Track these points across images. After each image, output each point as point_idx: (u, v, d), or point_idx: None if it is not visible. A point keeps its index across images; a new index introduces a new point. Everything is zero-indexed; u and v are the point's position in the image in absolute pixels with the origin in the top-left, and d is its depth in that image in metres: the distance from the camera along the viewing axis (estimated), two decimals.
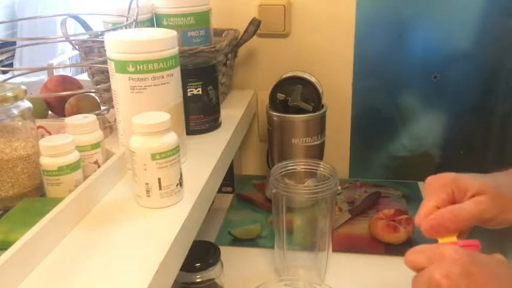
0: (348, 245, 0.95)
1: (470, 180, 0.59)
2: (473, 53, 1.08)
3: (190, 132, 0.84)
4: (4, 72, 1.56)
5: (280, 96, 0.99)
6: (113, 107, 0.72)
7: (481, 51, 1.07)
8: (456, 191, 0.59)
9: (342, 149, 1.18)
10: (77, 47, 0.93)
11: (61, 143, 0.62)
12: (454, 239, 0.57)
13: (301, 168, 0.85)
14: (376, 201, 1.08)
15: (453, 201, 0.59)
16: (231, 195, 1.15)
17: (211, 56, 0.91)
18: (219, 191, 0.98)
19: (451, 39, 1.07)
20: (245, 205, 1.11)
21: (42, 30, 2.16)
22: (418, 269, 0.52)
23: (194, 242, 0.65)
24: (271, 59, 1.13)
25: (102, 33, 0.87)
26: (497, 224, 0.58)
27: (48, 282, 0.49)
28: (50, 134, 0.72)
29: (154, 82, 0.66)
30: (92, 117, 0.68)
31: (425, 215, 0.58)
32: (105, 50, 0.68)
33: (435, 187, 0.61)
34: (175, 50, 0.68)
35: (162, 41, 0.67)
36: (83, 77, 1.37)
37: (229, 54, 1.01)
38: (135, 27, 0.80)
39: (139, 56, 0.65)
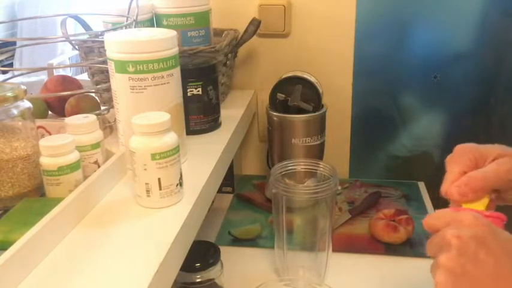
0: (348, 245, 0.95)
1: (490, 147, 0.60)
2: (473, 53, 1.08)
3: (190, 132, 0.84)
4: (4, 72, 1.56)
5: (280, 96, 0.99)
6: (112, 107, 0.72)
7: (481, 51, 1.07)
8: (478, 157, 0.60)
9: (342, 149, 1.18)
10: (77, 47, 0.93)
11: (61, 143, 0.62)
12: (481, 207, 0.56)
13: (301, 168, 0.85)
14: (376, 201, 1.08)
15: (476, 167, 0.59)
16: (231, 195, 1.15)
17: (211, 56, 0.91)
18: (219, 191, 0.98)
19: (451, 39, 1.07)
20: (245, 205, 1.11)
21: (42, 30, 2.16)
22: (435, 231, 0.52)
23: (194, 242, 0.65)
24: (271, 59, 1.13)
25: (102, 33, 0.87)
26: None
27: (48, 282, 0.49)
28: (50, 134, 0.72)
29: (154, 82, 0.66)
30: (92, 117, 0.68)
31: (451, 181, 0.58)
32: (105, 50, 0.68)
33: (456, 157, 0.61)
34: (175, 50, 0.68)
35: (162, 41, 0.67)
36: (83, 77, 1.37)
37: (229, 54, 1.01)
38: (135, 27, 0.80)
39: (139, 56, 0.65)
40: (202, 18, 0.94)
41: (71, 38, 1.01)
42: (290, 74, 1.02)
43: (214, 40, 0.98)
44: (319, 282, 0.76)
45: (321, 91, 1.00)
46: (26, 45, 1.79)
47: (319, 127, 1.00)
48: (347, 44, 1.10)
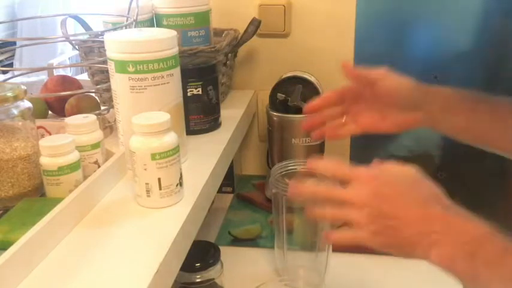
0: (348, 245, 0.94)
1: None
2: (473, 52, 1.08)
3: (190, 132, 0.84)
4: (4, 72, 1.56)
5: (280, 96, 0.99)
6: (112, 107, 0.72)
7: (481, 51, 1.07)
8: None
9: (342, 149, 1.18)
10: (77, 47, 0.93)
11: (61, 143, 0.62)
12: None
13: (301, 168, 0.85)
14: None
15: None
16: (231, 195, 1.15)
17: (211, 56, 0.91)
18: (219, 191, 0.98)
19: (451, 39, 1.07)
20: (245, 205, 1.11)
21: (42, 30, 2.17)
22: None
23: (194, 242, 0.65)
24: (271, 59, 1.13)
25: (102, 33, 0.87)
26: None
27: (48, 282, 0.49)
28: (50, 134, 0.72)
29: (154, 82, 0.66)
30: (92, 117, 0.68)
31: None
32: (105, 50, 0.68)
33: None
34: (175, 50, 0.68)
35: (162, 41, 0.67)
36: (83, 77, 1.37)
37: (229, 54, 1.01)
38: (135, 27, 0.80)
39: (139, 56, 0.65)
40: (202, 18, 0.94)
41: (71, 38, 1.01)
42: (290, 74, 1.02)
43: (214, 40, 0.98)
44: (319, 282, 0.77)
45: (321, 91, 1.00)
46: (26, 45, 1.79)
47: None
48: (347, 44, 1.10)
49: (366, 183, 0.57)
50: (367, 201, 0.56)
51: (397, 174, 0.58)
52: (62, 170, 0.61)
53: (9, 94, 0.61)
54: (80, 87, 0.90)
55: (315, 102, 0.77)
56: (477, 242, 0.51)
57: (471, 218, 0.52)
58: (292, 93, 0.98)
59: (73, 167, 0.62)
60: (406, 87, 0.73)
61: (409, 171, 0.58)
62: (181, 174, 0.64)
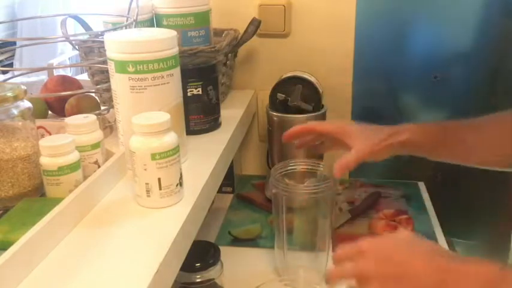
0: None
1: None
2: (473, 53, 1.08)
3: (190, 132, 0.84)
4: (4, 72, 1.56)
5: (280, 96, 0.99)
6: (112, 107, 0.72)
7: (481, 51, 1.07)
8: None
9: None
10: (77, 47, 0.93)
11: (61, 143, 0.62)
12: None
13: (301, 168, 0.85)
14: (376, 201, 1.08)
15: None
16: (231, 195, 1.15)
17: (211, 56, 0.91)
18: (219, 191, 0.98)
19: (451, 38, 1.07)
20: (245, 205, 1.11)
21: (42, 30, 2.17)
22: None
23: (194, 242, 0.65)
24: (271, 59, 1.13)
25: (102, 33, 0.87)
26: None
27: (48, 282, 0.49)
28: (50, 134, 0.72)
29: (154, 82, 0.66)
30: (92, 117, 0.68)
31: None
32: (105, 50, 0.68)
33: None
34: (175, 50, 0.68)
35: (162, 41, 0.67)
36: (83, 77, 1.37)
37: (229, 54, 1.01)
38: (135, 27, 0.80)
39: (139, 56, 0.65)
40: (202, 18, 0.94)
41: (71, 38, 1.01)
42: (290, 74, 1.02)
43: (214, 40, 0.98)
44: (319, 282, 0.77)
45: (321, 91, 1.00)
46: (26, 45, 1.79)
47: None
48: (347, 44, 1.10)
49: (370, 254, 0.58)
50: (375, 269, 0.56)
51: (396, 238, 0.59)
52: (62, 170, 0.61)
53: (9, 94, 0.61)
54: (80, 87, 0.90)
55: (293, 129, 0.84)
56: (494, 282, 0.51)
57: (479, 261, 0.53)
58: (292, 93, 0.98)
59: (73, 167, 0.62)
60: (379, 152, 0.81)
61: (406, 233, 0.60)
62: (181, 174, 0.64)
